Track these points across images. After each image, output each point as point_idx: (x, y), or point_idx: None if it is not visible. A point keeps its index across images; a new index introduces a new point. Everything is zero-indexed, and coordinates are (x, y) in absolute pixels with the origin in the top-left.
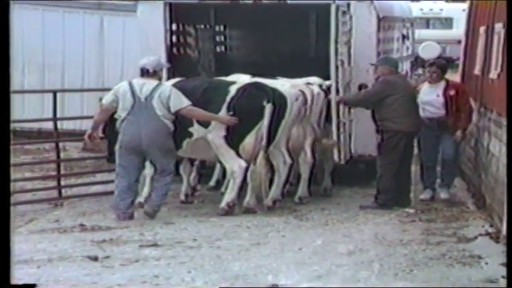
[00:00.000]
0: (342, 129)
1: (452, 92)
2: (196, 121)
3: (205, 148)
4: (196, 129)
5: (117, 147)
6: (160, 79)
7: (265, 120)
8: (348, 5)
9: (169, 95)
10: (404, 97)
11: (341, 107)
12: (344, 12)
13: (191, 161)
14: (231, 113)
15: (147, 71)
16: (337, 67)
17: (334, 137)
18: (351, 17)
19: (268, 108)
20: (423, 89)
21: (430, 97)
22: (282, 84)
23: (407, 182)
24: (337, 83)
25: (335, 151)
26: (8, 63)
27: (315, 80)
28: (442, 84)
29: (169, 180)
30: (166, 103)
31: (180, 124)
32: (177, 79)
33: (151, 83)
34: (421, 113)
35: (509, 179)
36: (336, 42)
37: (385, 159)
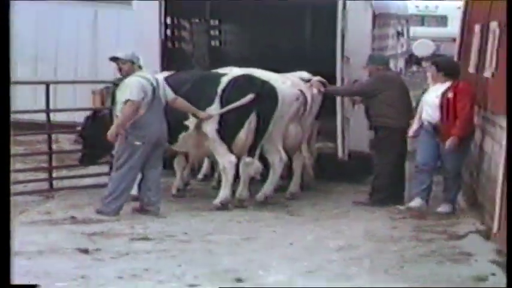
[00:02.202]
0: (346, 125)
1: (450, 94)
2: (191, 114)
3: (200, 141)
4: (191, 122)
5: (136, 142)
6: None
7: (238, 103)
8: (344, 2)
9: (164, 86)
10: (399, 93)
11: (345, 103)
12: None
13: (186, 156)
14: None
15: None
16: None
17: (338, 133)
18: (346, 13)
19: (248, 97)
20: (430, 88)
21: (429, 98)
22: (283, 82)
23: (402, 179)
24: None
25: (339, 147)
26: (8, 62)
27: (303, 74)
28: (447, 85)
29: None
30: (163, 94)
31: (176, 118)
32: (168, 72)
33: (151, 76)
34: (422, 115)
35: (509, 179)
36: (343, 38)
37: (383, 159)
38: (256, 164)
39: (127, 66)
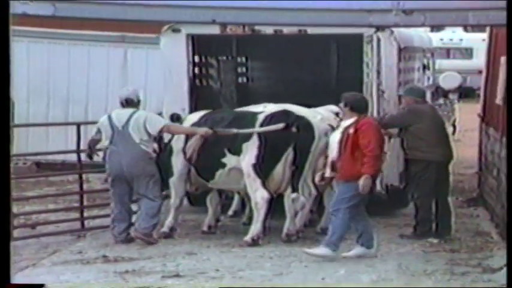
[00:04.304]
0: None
1: (351, 130)
2: (228, 150)
3: (238, 178)
4: (229, 159)
5: (105, 176)
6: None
7: (264, 128)
8: (369, 36)
9: (145, 119)
10: (432, 126)
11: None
12: (368, 43)
13: (219, 193)
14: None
15: (132, 100)
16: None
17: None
18: (371, 47)
19: (279, 125)
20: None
21: (334, 134)
22: (313, 116)
23: (447, 212)
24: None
25: (378, 181)
26: (8, 63)
27: (332, 108)
28: (351, 120)
29: (157, 205)
30: (143, 128)
31: (213, 155)
32: (204, 111)
33: (127, 111)
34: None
35: (509, 180)
36: (378, 72)
37: (419, 192)
38: (302, 199)
39: None
